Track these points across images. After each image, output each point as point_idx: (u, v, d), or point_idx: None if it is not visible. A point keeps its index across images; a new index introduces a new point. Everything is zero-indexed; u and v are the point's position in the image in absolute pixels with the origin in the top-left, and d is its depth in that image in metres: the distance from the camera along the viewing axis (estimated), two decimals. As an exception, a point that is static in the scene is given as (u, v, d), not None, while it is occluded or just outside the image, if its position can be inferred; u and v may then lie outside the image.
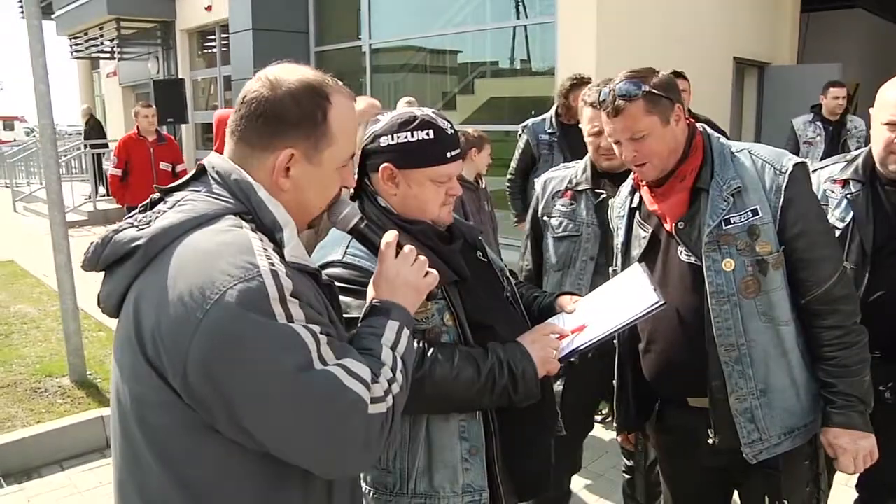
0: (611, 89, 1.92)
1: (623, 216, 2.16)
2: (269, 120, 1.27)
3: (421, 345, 1.60)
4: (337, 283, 1.46)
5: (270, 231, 1.25)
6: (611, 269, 2.24)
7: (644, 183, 2.05)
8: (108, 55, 16.84)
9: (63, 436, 4.13)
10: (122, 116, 17.51)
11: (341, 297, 1.47)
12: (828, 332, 1.88)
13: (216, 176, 1.28)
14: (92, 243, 1.25)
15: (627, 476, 2.95)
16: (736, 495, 2.22)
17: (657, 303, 1.72)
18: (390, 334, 1.34)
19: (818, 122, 6.48)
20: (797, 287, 1.90)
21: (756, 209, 1.87)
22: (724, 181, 1.91)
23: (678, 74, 4.73)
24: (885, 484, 2.30)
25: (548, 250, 2.71)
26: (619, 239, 2.18)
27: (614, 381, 2.25)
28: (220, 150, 1.36)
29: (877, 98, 2.23)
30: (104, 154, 13.37)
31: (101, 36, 15.57)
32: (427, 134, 1.69)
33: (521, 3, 8.72)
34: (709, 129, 2.03)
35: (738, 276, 1.87)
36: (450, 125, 1.75)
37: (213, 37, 13.59)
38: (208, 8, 12.64)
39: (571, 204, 2.64)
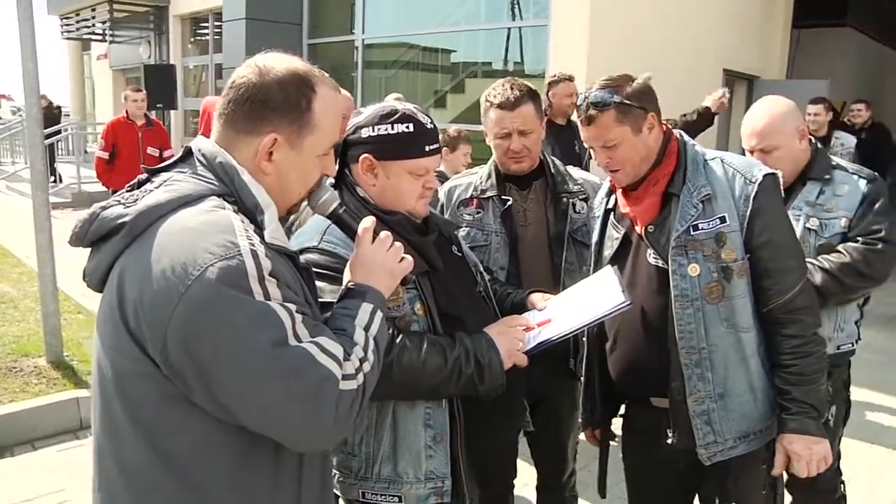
0: (585, 97, 1.96)
1: (598, 217, 2.21)
2: (255, 105, 1.31)
3: (390, 332, 1.64)
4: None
5: (252, 213, 1.29)
6: (583, 269, 2.28)
7: (619, 186, 2.10)
8: (99, 37, 16.73)
9: (37, 416, 4.12)
10: (111, 99, 17.41)
11: (316, 282, 1.51)
12: (788, 340, 1.92)
13: (202, 158, 1.33)
14: (79, 219, 1.28)
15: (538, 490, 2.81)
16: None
17: (623, 302, 1.78)
18: (364, 316, 1.38)
19: None
20: (760, 295, 1.94)
21: (724, 216, 1.91)
22: (694, 188, 1.95)
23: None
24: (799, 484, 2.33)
25: None
26: (592, 238, 2.23)
27: (581, 379, 2.29)
28: (204, 136, 1.39)
29: None
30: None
31: (94, 17, 15.49)
32: (407, 127, 1.74)
33: (515, 6, 8.77)
34: (685, 136, 2.08)
35: (703, 282, 1.91)
36: (430, 120, 1.79)
37: (206, 24, 13.55)
38: (202, -6, 12.62)
39: (478, 212, 2.50)
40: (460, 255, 1.99)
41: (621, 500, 2.80)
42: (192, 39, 14.50)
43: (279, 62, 1.35)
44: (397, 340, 1.65)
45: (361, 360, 1.30)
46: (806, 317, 1.93)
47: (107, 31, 15.72)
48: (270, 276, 1.19)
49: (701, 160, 2.00)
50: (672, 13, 7.98)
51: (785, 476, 2.05)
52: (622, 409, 2.33)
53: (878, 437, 4.44)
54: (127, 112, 6.98)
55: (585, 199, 2.49)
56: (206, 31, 13.65)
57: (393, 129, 1.74)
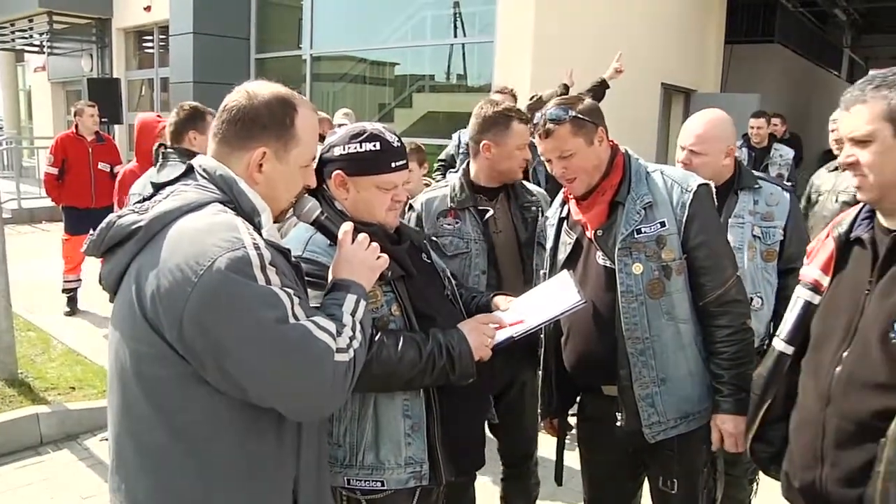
0: (542, 114, 2.19)
1: (553, 224, 2.43)
2: (246, 124, 1.52)
3: (371, 330, 1.80)
4: None
5: (250, 216, 1.48)
6: (541, 273, 2.49)
7: (572, 196, 2.32)
8: (36, 49, 16.32)
9: (-5, 434, 4.11)
10: (50, 112, 16.99)
11: None
12: (720, 330, 2.16)
13: (202, 172, 1.52)
14: (97, 228, 1.46)
15: (503, 480, 3.00)
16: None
17: (579, 301, 2.00)
18: (350, 304, 1.57)
19: (744, 148, 7.12)
20: (697, 290, 2.18)
21: (664, 221, 2.15)
22: (638, 196, 2.19)
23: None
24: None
25: None
26: (548, 244, 2.45)
27: (539, 372, 2.50)
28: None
29: None
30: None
31: (31, 28, 15.09)
32: (374, 146, 1.93)
33: (461, 23, 9.02)
34: (630, 152, 2.31)
35: (646, 279, 2.14)
36: (397, 139, 1.98)
37: (150, 37, 13.42)
38: (147, 8, 12.51)
39: (457, 222, 2.71)
40: (429, 261, 2.17)
41: (575, 493, 3.02)
42: (136, 53, 14.32)
43: (265, 88, 1.57)
44: (375, 339, 1.81)
45: (351, 338, 1.49)
46: (735, 308, 2.18)
47: (45, 43, 15.36)
48: (271, 265, 1.38)
49: (643, 172, 2.24)
50: (613, 30, 8.34)
51: None
52: (576, 406, 2.54)
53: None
54: (77, 127, 6.85)
55: (542, 210, 2.73)
56: (150, 44, 13.51)
57: (361, 147, 1.92)
